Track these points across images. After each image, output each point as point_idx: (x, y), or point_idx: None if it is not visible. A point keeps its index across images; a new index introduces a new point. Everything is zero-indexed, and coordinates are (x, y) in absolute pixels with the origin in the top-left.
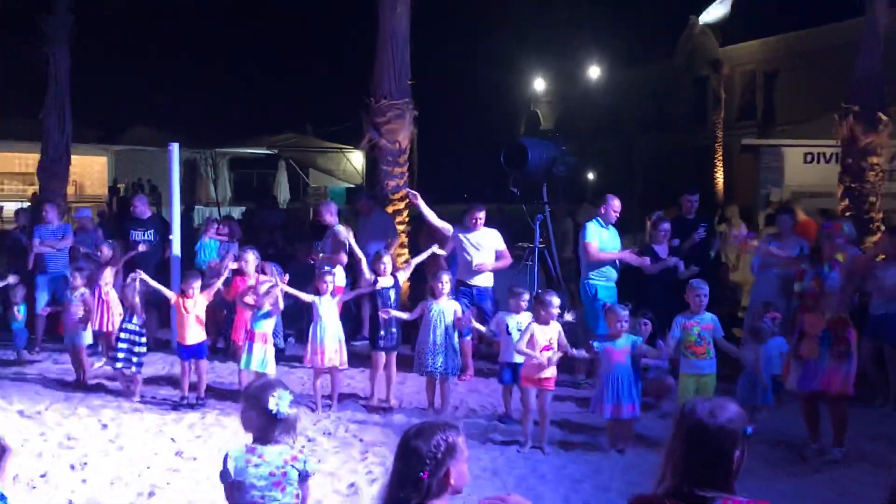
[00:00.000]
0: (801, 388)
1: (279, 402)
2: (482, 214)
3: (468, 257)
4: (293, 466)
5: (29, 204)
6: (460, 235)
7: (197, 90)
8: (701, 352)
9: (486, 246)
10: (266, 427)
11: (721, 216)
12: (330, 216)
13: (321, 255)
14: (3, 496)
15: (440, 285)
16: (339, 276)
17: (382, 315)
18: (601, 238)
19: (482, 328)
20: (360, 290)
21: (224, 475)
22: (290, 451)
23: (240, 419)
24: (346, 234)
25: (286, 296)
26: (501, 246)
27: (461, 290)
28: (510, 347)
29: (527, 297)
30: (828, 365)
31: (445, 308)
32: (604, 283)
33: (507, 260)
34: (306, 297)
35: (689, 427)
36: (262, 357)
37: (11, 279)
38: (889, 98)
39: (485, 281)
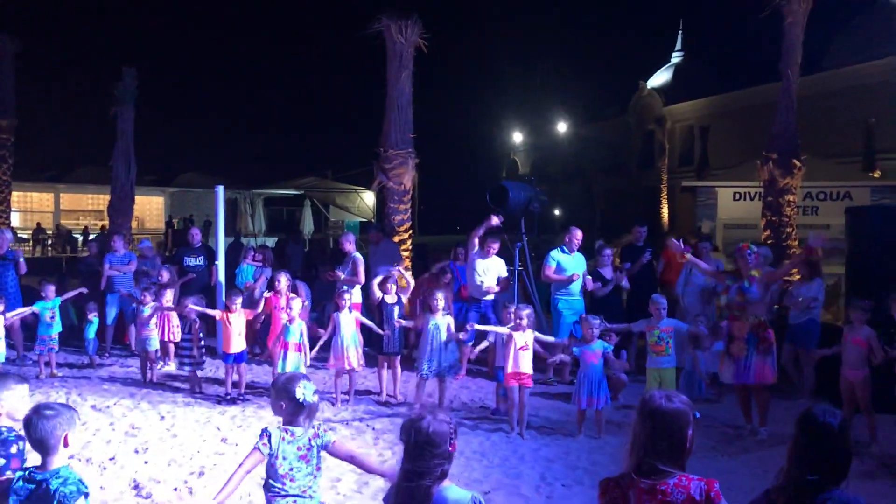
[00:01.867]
0: (735, 381)
1: (305, 391)
2: (497, 245)
3: (479, 279)
4: (316, 443)
5: (99, 233)
6: (476, 260)
7: (237, 142)
8: (661, 350)
9: (493, 271)
10: (294, 412)
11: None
12: (349, 244)
13: (342, 276)
14: (81, 482)
15: (436, 302)
16: (356, 295)
17: (387, 330)
18: (561, 262)
19: (490, 328)
20: (371, 325)
21: (264, 448)
22: (312, 430)
23: (271, 406)
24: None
25: (311, 310)
26: (504, 273)
27: (472, 305)
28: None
29: (527, 313)
30: (754, 361)
31: (440, 322)
32: (566, 297)
33: (506, 284)
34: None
35: (649, 411)
36: (295, 363)
37: (83, 290)
38: (801, 148)
39: (489, 297)
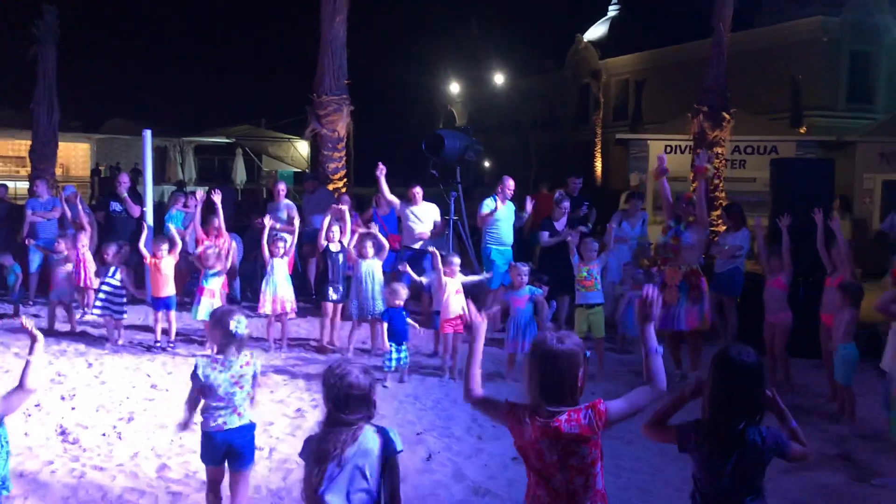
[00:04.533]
0: (664, 327)
1: (237, 324)
2: (419, 190)
3: (412, 226)
4: (248, 370)
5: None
6: (407, 209)
7: (166, 88)
8: (589, 285)
9: (426, 218)
10: (226, 343)
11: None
12: (282, 192)
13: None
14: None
15: (366, 248)
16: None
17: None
18: (494, 210)
19: (422, 280)
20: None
21: (195, 378)
22: (244, 359)
23: (207, 336)
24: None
25: (243, 260)
26: (437, 218)
27: (406, 252)
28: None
29: (457, 261)
30: (687, 307)
31: (371, 266)
32: (497, 247)
33: (441, 229)
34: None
35: (542, 353)
36: (208, 308)
37: None
38: (731, 102)
39: (424, 245)
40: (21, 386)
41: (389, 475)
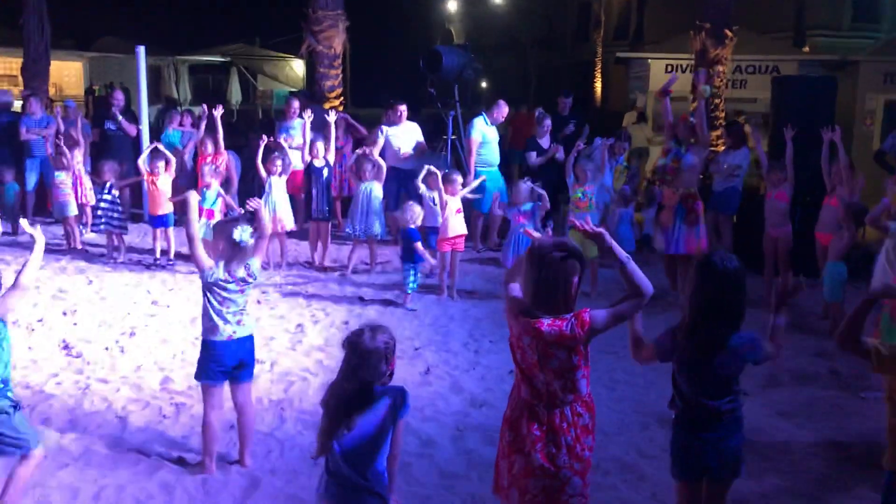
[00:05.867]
0: (665, 251)
1: (242, 233)
2: (404, 108)
3: (395, 147)
4: (250, 280)
5: None
6: (388, 130)
7: (160, 5)
8: (584, 206)
9: (409, 137)
10: (231, 253)
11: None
12: (294, 110)
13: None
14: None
15: (364, 171)
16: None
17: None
18: (484, 133)
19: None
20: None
21: (209, 269)
22: (245, 270)
23: (211, 248)
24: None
25: (240, 180)
26: (420, 138)
27: (391, 174)
28: (433, 215)
29: (459, 179)
30: (683, 231)
31: (369, 186)
32: (486, 169)
33: (424, 148)
34: None
35: (538, 260)
36: (204, 228)
37: None
38: (734, 18)
39: (410, 164)
40: (16, 284)
41: (394, 435)
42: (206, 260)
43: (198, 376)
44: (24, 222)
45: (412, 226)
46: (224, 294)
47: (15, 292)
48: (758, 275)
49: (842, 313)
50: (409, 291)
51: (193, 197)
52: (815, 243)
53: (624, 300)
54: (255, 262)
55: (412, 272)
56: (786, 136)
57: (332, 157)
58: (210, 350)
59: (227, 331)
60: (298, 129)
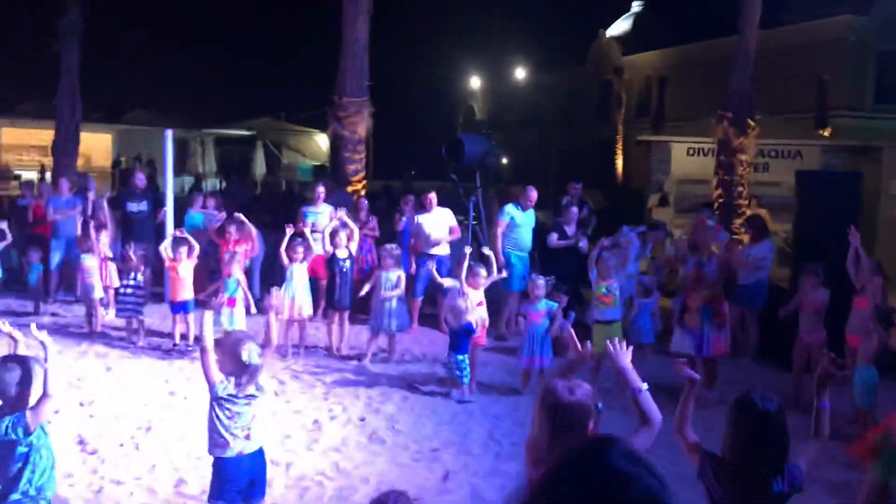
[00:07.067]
0: (696, 354)
1: (250, 354)
2: (433, 196)
3: (427, 232)
4: (259, 393)
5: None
6: (419, 217)
7: (189, 80)
8: (608, 302)
9: (441, 224)
10: (239, 372)
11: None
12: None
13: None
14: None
15: (388, 259)
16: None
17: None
18: (514, 217)
19: (445, 282)
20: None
21: (217, 389)
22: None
23: (217, 363)
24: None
25: (263, 261)
26: (453, 223)
27: (422, 260)
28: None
29: (483, 273)
30: (709, 333)
31: (392, 276)
32: (516, 252)
33: (457, 234)
34: None
35: (551, 404)
36: (230, 318)
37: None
38: (756, 103)
39: (441, 251)
40: (45, 394)
41: None
42: (217, 374)
43: (213, 497)
44: (33, 327)
45: (465, 320)
46: (233, 409)
47: (47, 401)
48: (785, 371)
49: (873, 418)
50: (465, 384)
51: (209, 318)
52: (845, 345)
53: (636, 433)
54: (264, 376)
55: (465, 363)
56: (852, 241)
57: (354, 247)
58: (222, 470)
59: (236, 447)
60: (325, 213)
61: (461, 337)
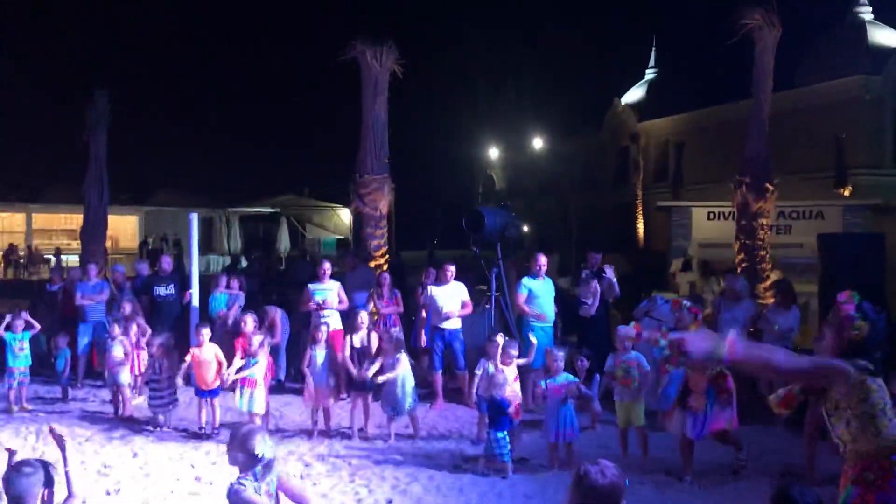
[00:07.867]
0: (695, 437)
1: (263, 447)
2: (452, 268)
3: (440, 306)
4: (273, 488)
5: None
6: (433, 289)
7: (213, 160)
8: (627, 384)
9: (454, 297)
10: (250, 465)
11: None
12: (326, 272)
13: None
14: None
15: (387, 345)
16: (335, 321)
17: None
18: (532, 288)
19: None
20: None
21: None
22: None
23: (227, 457)
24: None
25: (290, 338)
26: (466, 297)
27: (435, 333)
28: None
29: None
30: (715, 411)
31: (405, 360)
32: (540, 324)
33: (469, 308)
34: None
35: (585, 488)
36: (250, 400)
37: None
38: (774, 165)
39: (453, 325)
40: (71, 495)
41: None
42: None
43: None
44: (46, 427)
45: (499, 395)
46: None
47: (73, 501)
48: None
49: None
50: (507, 461)
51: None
52: None
53: None
54: (278, 470)
55: (506, 440)
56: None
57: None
58: None
59: None
60: (334, 290)
61: (499, 413)
